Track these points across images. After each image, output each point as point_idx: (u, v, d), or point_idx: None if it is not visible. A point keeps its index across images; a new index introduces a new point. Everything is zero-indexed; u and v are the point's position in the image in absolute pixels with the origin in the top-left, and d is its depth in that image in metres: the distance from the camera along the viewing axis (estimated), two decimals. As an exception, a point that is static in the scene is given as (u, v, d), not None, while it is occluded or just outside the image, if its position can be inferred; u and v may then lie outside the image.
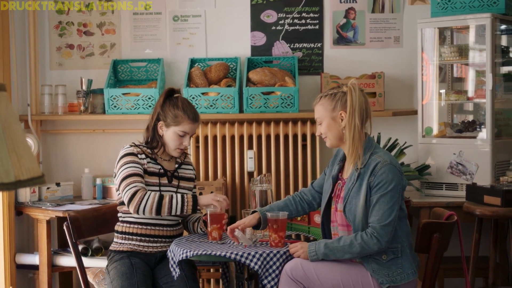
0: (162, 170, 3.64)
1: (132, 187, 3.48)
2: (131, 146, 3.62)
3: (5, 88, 1.75)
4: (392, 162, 3.20)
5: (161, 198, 3.47)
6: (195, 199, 3.52)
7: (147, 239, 3.60)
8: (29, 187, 1.71)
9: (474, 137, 4.68)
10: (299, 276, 3.19)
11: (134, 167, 3.54)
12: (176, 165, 3.71)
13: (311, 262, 3.23)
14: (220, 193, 4.65)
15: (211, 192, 3.68)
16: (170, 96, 3.68)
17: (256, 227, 3.47)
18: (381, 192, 3.17)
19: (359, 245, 3.17)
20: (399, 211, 3.21)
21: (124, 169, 3.53)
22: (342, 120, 3.27)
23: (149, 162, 3.61)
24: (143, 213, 3.47)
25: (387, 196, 3.16)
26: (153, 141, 3.65)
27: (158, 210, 3.47)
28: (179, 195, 3.51)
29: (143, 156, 3.59)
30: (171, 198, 3.49)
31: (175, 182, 3.66)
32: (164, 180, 3.63)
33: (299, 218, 4.57)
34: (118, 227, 3.66)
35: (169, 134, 3.61)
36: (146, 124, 3.70)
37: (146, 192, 3.47)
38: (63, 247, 4.89)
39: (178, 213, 3.51)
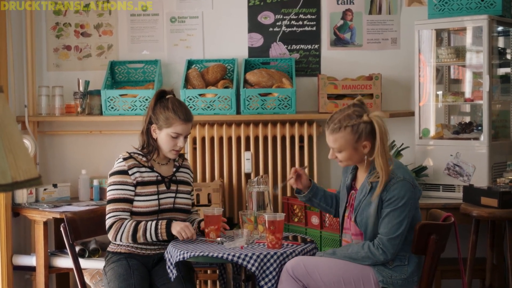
0: (159, 177, 3.63)
1: (110, 217, 3.53)
2: (124, 159, 3.59)
3: (2, 89, 1.75)
4: (406, 178, 3.23)
5: (135, 230, 3.48)
6: (168, 226, 3.50)
7: (145, 242, 3.59)
8: (26, 188, 1.71)
9: (471, 139, 4.68)
10: (300, 274, 3.21)
11: (120, 189, 3.54)
12: (174, 169, 3.70)
13: (313, 259, 3.25)
14: (217, 195, 4.65)
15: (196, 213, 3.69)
16: (162, 98, 3.66)
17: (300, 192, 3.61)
18: (392, 207, 3.22)
19: (365, 254, 3.24)
20: (411, 220, 3.26)
21: (110, 190, 3.57)
22: (364, 148, 3.28)
23: (145, 172, 3.60)
24: (121, 242, 3.55)
25: (397, 211, 3.21)
26: (149, 145, 3.64)
27: (134, 240, 3.51)
28: (153, 223, 3.50)
29: (135, 169, 3.57)
30: (145, 229, 3.49)
31: (173, 187, 3.65)
32: (162, 187, 3.62)
33: (296, 219, 4.57)
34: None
35: (163, 136, 3.59)
36: (141, 128, 3.70)
37: (122, 223, 3.50)
38: (60, 249, 4.89)
39: (154, 240, 3.52)
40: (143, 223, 3.50)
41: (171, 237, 3.51)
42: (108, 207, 3.55)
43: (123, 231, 3.48)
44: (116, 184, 3.55)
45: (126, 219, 3.52)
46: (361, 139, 3.27)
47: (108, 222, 3.53)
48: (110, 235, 3.53)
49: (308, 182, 3.58)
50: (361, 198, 3.32)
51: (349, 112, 3.30)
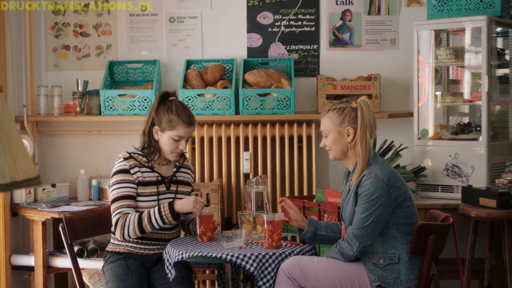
0: (159, 178, 3.62)
1: (115, 215, 3.51)
2: (125, 159, 3.58)
3: (1, 89, 1.75)
4: (378, 176, 3.24)
5: (140, 220, 3.46)
6: (171, 207, 3.48)
7: (144, 241, 3.59)
8: (24, 188, 1.70)
9: (470, 139, 4.69)
10: (295, 274, 3.22)
11: (123, 187, 3.53)
12: (175, 169, 3.70)
13: (308, 259, 3.27)
14: (216, 195, 4.65)
15: (195, 195, 3.67)
16: (165, 99, 3.65)
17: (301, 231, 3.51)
18: (361, 202, 3.25)
19: (337, 249, 3.30)
20: (410, 220, 3.29)
21: (114, 189, 3.55)
22: (348, 135, 3.33)
23: (145, 172, 3.59)
24: (129, 238, 3.50)
25: (365, 206, 3.23)
26: (150, 146, 3.63)
27: (142, 231, 3.48)
28: (156, 209, 3.48)
29: (136, 169, 3.57)
30: (149, 215, 3.46)
31: (173, 187, 3.65)
32: (162, 188, 3.61)
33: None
34: (115, 228, 3.65)
35: (164, 138, 3.58)
36: (143, 128, 3.69)
37: (126, 218, 3.47)
38: (58, 248, 4.88)
39: (161, 225, 3.49)
40: (146, 211, 3.49)
41: (177, 217, 3.49)
42: (113, 207, 3.53)
43: (128, 225, 3.46)
44: (118, 183, 3.54)
45: (130, 213, 3.50)
46: (345, 123, 3.32)
47: (113, 222, 3.52)
48: (117, 234, 3.50)
49: (303, 218, 3.53)
50: (344, 196, 3.39)
51: (344, 99, 3.44)
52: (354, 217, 3.26)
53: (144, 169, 3.59)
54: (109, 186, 3.62)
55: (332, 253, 3.32)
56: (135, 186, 3.55)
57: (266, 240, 3.35)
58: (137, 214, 3.47)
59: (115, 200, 3.53)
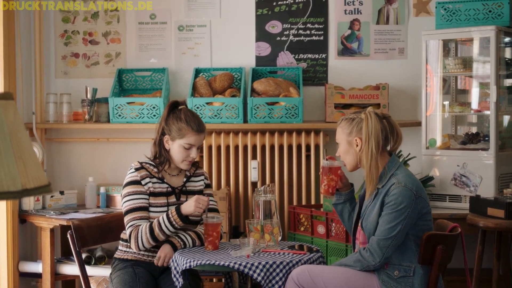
0: (169, 189, 3.63)
1: (128, 227, 3.54)
2: (136, 169, 3.60)
3: (13, 96, 1.76)
4: (407, 185, 3.25)
5: (151, 228, 3.49)
6: (178, 211, 3.50)
7: (152, 249, 3.60)
8: (35, 195, 1.71)
9: (478, 149, 4.68)
10: (304, 282, 3.22)
11: (135, 199, 3.55)
12: (185, 179, 3.70)
13: (318, 268, 3.27)
14: (224, 203, 4.65)
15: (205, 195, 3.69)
16: (174, 108, 3.67)
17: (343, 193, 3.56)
18: (388, 211, 3.24)
19: (356, 258, 3.28)
20: (421, 232, 3.27)
21: (126, 201, 3.57)
22: (357, 145, 3.36)
23: (156, 183, 3.61)
24: (145, 248, 3.53)
25: (392, 215, 3.23)
26: (161, 156, 3.64)
27: (155, 240, 3.50)
28: (164, 215, 3.51)
29: (147, 180, 3.59)
30: (158, 223, 3.49)
31: (183, 198, 3.65)
32: (172, 199, 3.62)
33: (302, 229, 4.57)
34: (124, 235, 3.66)
35: (175, 147, 3.60)
36: (153, 137, 3.70)
37: (138, 230, 3.50)
38: (66, 256, 4.89)
39: (172, 230, 3.51)
40: (155, 220, 3.51)
41: (186, 220, 3.51)
42: (126, 219, 3.55)
43: (141, 236, 3.48)
44: (130, 195, 3.56)
45: (141, 225, 3.52)
46: (353, 133, 3.36)
47: (127, 234, 3.54)
48: (133, 246, 3.53)
49: (348, 184, 3.58)
50: (367, 204, 3.36)
51: (358, 110, 3.43)
52: (379, 227, 3.25)
53: (154, 180, 3.60)
54: (121, 196, 3.63)
55: (348, 261, 3.31)
56: (147, 197, 3.56)
57: (323, 186, 3.46)
58: (148, 224, 3.50)
59: (127, 212, 3.55)
